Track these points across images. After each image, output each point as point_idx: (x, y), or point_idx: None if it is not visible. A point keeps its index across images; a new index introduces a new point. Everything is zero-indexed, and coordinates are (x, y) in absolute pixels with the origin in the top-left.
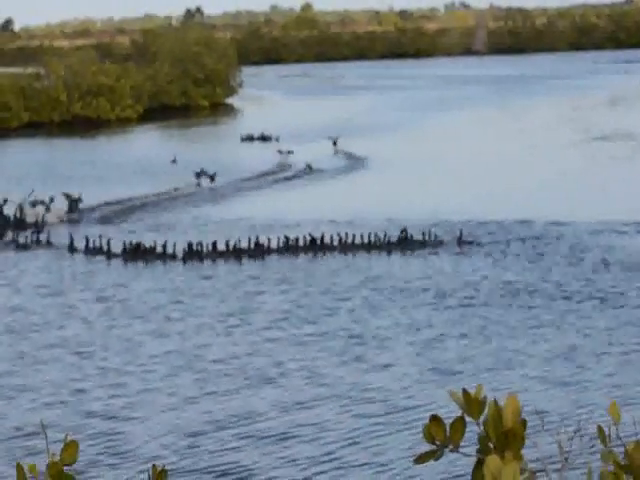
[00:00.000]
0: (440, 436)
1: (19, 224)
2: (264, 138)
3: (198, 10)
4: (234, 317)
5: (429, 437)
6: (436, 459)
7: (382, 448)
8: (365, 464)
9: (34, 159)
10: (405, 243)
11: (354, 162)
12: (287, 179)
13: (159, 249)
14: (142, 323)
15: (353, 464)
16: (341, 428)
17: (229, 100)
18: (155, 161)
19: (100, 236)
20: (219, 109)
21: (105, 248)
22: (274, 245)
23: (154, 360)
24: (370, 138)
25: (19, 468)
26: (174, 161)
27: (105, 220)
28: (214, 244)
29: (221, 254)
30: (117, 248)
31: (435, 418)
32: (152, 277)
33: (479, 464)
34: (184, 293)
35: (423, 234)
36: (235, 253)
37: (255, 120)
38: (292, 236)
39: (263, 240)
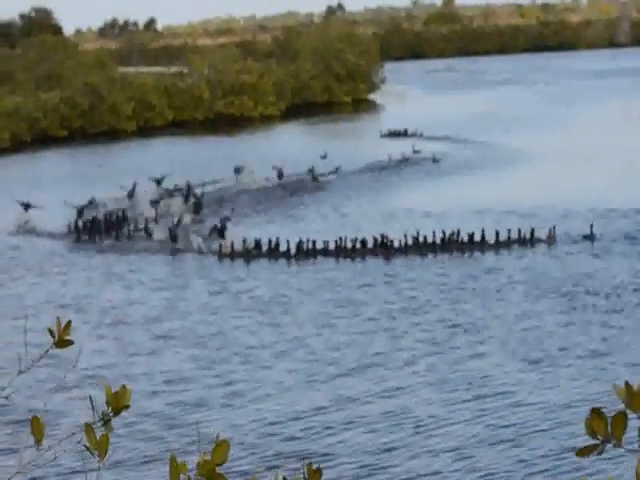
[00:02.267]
0: (601, 431)
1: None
2: (405, 134)
3: (339, 6)
4: (340, 309)
5: (591, 431)
6: (599, 454)
7: (466, 435)
8: (451, 450)
9: (178, 156)
10: (527, 240)
11: (498, 155)
12: (417, 172)
13: (269, 246)
14: (249, 316)
15: (439, 450)
16: (428, 414)
17: (371, 96)
18: (304, 157)
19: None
20: (361, 105)
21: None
22: (395, 243)
23: (255, 351)
24: (515, 131)
25: (173, 462)
26: (324, 157)
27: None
28: (325, 242)
29: (328, 251)
30: (237, 245)
31: (596, 411)
32: (261, 272)
33: None
34: (291, 287)
35: (544, 230)
36: (344, 250)
37: (397, 116)
38: (411, 234)
39: (384, 238)
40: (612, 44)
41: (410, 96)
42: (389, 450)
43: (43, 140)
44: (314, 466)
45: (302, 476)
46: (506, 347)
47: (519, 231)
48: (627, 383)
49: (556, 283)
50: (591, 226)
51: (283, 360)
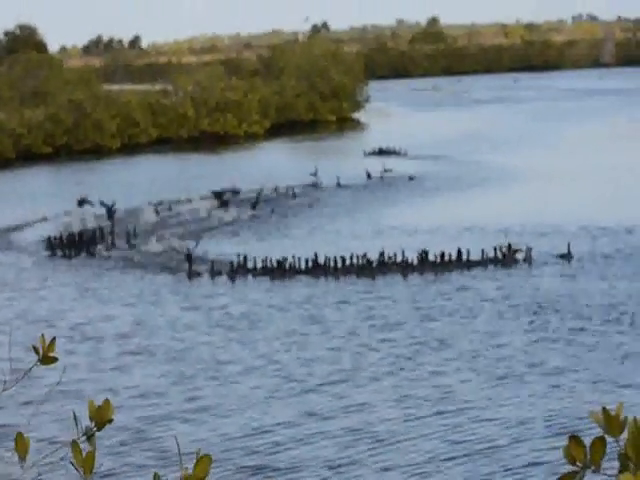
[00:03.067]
0: (580, 457)
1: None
2: (389, 152)
3: (324, 25)
4: (310, 327)
5: (570, 458)
6: None
7: (417, 450)
8: (403, 465)
9: (162, 174)
10: (501, 259)
11: (481, 174)
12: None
13: (249, 264)
14: (222, 332)
15: (391, 465)
16: (389, 429)
17: (356, 114)
18: (292, 175)
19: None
20: (346, 124)
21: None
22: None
23: (224, 367)
24: (499, 150)
25: (156, 478)
26: (315, 174)
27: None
28: (294, 259)
29: (299, 270)
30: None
31: (574, 438)
32: (235, 290)
33: None
34: (262, 305)
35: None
36: (314, 269)
37: (381, 134)
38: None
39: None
40: (596, 64)
41: (395, 115)
42: (349, 464)
43: (27, 157)
44: None
45: None
46: (470, 364)
47: (495, 250)
48: (604, 409)
49: (526, 302)
50: (568, 245)
51: (253, 375)
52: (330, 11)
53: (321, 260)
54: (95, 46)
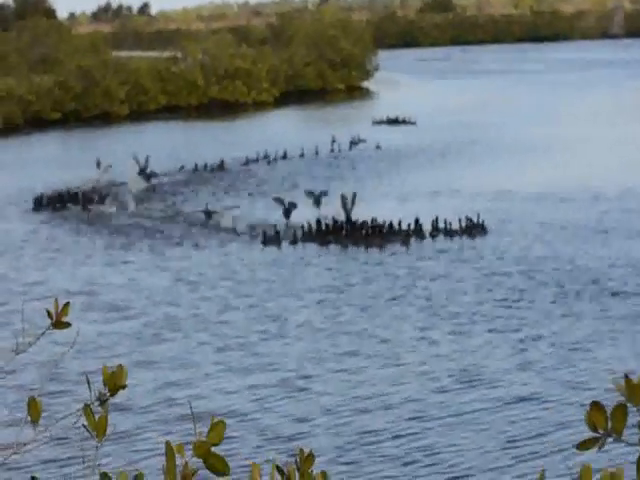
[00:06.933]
0: (602, 424)
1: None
2: (397, 121)
3: None
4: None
5: (591, 424)
6: (600, 448)
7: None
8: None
9: (171, 141)
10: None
11: (481, 144)
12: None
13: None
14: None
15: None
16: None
17: (365, 83)
18: (307, 142)
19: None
20: (355, 92)
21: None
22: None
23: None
24: (504, 123)
25: (169, 447)
26: (334, 141)
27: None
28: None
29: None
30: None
31: (596, 404)
32: (225, 254)
33: None
34: (256, 269)
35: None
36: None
37: (390, 103)
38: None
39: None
40: (605, 35)
41: (404, 84)
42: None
43: (36, 123)
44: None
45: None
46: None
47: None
48: (627, 376)
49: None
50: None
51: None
52: None
53: None
54: (104, 13)
